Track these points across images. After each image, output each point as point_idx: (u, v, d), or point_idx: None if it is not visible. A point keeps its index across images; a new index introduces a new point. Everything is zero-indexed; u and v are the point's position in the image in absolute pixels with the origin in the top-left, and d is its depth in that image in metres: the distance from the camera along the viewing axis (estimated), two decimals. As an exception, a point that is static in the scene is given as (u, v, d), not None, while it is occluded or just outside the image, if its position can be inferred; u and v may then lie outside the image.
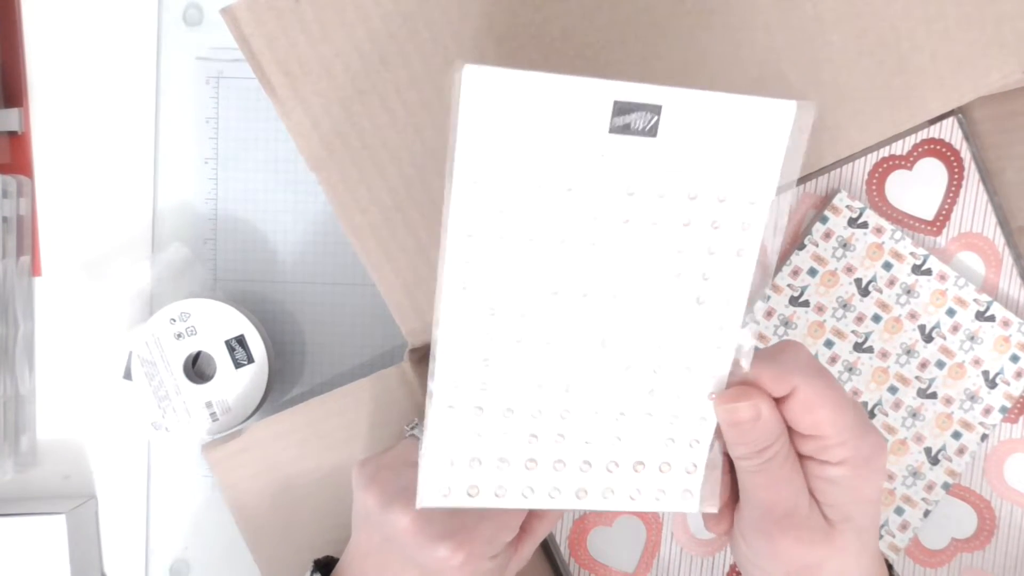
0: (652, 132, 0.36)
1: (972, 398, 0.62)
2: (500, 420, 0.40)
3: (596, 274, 0.38)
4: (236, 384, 0.61)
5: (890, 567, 0.45)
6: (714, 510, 0.42)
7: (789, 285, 0.61)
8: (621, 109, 0.36)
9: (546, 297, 0.38)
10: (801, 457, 0.41)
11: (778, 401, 0.40)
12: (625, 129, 0.36)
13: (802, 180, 0.62)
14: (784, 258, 0.62)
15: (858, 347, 0.61)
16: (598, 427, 0.40)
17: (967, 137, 0.62)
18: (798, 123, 0.37)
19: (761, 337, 0.61)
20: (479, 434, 0.40)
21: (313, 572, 0.50)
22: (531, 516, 0.49)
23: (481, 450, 0.40)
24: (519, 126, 0.36)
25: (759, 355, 0.40)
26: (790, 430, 0.41)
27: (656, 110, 0.36)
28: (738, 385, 0.40)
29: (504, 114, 0.35)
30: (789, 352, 0.40)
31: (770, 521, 0.40)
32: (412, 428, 0.54)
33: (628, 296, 0.39)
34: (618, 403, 0.40)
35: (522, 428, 0.40)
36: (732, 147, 0.37)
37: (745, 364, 0.40)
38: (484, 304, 0.38)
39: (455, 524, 0.45)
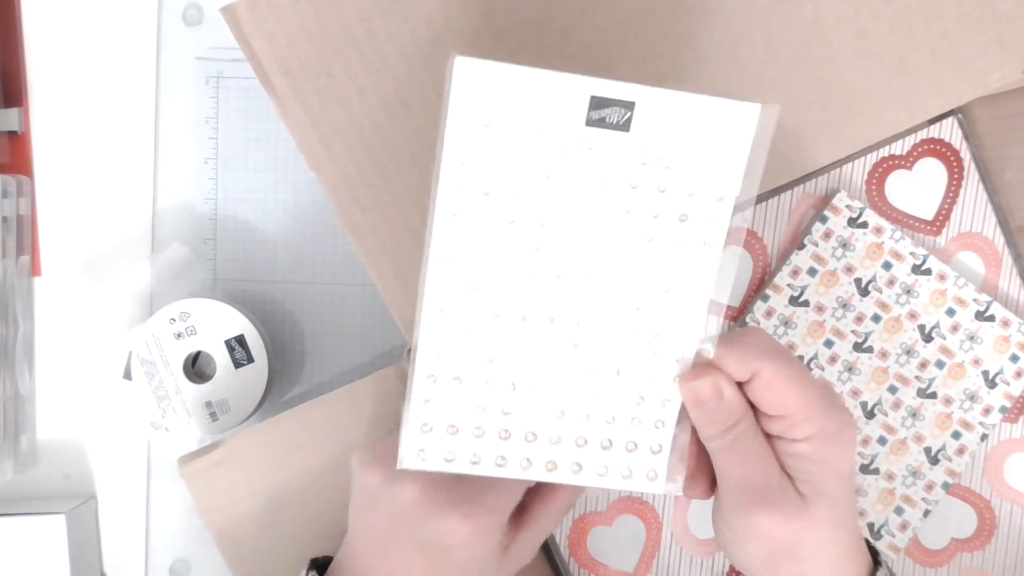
0: (626, 127, 0.39)
1: (972, 398, 0.62)
2: (477, 391, 0.42)
3: (571, 257, 0.41)
4: (236, 384, 0.61)
5: (872, 550, 0.46)
6: (678, 492, 0.43)
7: (789, 285, 0.61)
8: (597, 104, 0.38)
9: (524, 277, 0.41)
10: (770, 437, 0.42)
11: (742, 385, 0.41)
12: (601, 123, 0.38)
13: (802, 180, 0.62)
14: (784, 258, 0.62)
15: (858, 347, 0.61)
16: (569, 403, 0.42)
17: (967, 137, 0.62)
18: (762, 124, 0.39)
19: (761, 337, 0.61)
20: (457, 403, 0.42)
21: (309, 570, 0.49)
22: (532, 497, 0.49)
23: (458, 418, 0.42)
24: (504, 115, 0.38)
25: (721, 340, 0.41)
26: (757, 412, 0.42)
27: (629, 106, 0.38)
28: (701, 364, 0.41)
29: (490, 103, 0.38)
30: (750, 336, 0.41)
31: (745, 499, 0.42)
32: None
33: (601, 280, 0.41)
34: (589, 382, 0.42)
35: (497, 400, 0.42)
36: (700, 144, 0.40)
37: (710, 349, 0.42)
38: (466, 280, 0.41)
39: (461, 494, 0.45)
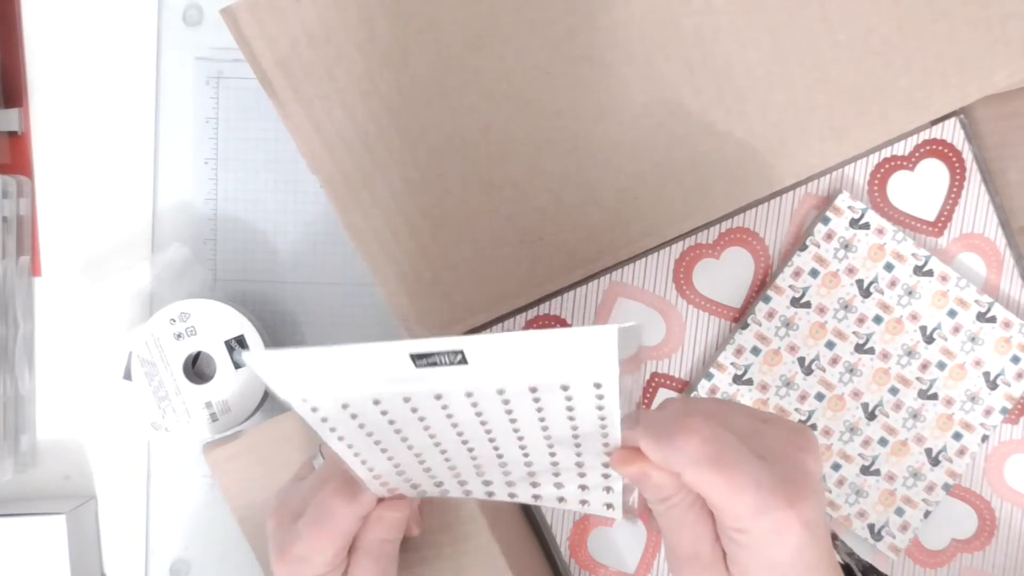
0: (463, 362, 0.35)
1: (973, 399, 0.62)
2: (422, 473, 0.43)
3: (465, 431, 0.40)
4: (236, 384, 0.61)
5: None
6: (635, 521, 0.43)
7: (791, 286, 0.61)
8: (421, 357, 0.35)
9: (425, 440, 0.41)
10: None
11: None
12: (433, 364, 0.35)
13: (804, 180, 0.61)
14: (786, 259, 0.62)
15: (859, 348, 0.61)
16: (509, 465, 0.42)
17: (969, 138, 0.61)
18: (626, 340, 0.36)
19: (763, 338, 0.61)
20: (401, 473, 0.43)
21: None
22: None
23: (410, 478, 0.44)
24: (331, 377, 0.36)
25: (652, 429, 0.40)
26: None
27: (458, 353, 0.35)
28: (627, 449, 0.41)
29: (309, 374, 0.36)
30: (678, 440, 0.39)
31: (678, 559, 0.42)
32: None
33: (506, 443, 0.41)
34: (527, 467, 0.42)
35: (440, 468, 0.43)
36: (558, 364, 0.36)
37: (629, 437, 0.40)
38: (375, 451, 0.41)
39: (284, 540, 0.47)
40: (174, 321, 0.61)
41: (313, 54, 0.51)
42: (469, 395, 0.38)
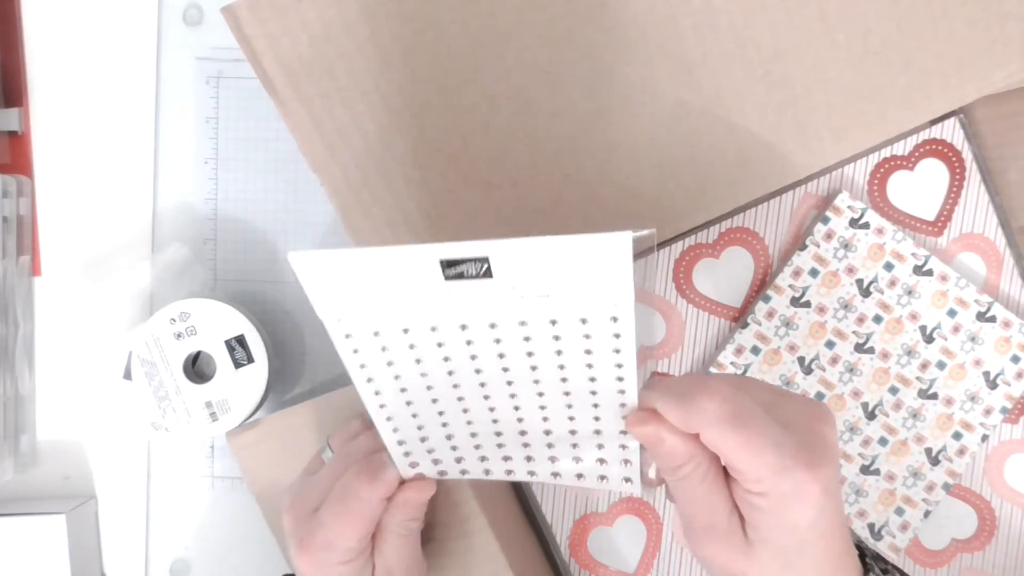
0: (488, 275, 0.37)
1: (973, 399, 0.62)
2: (443, 440, 0.44)
3: (486, 371, 0.41)
4: (236, 384, 0.61)
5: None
6: (653, 493, 0.44)
7: (791, 286, 0.61)
8: (449, 264, 0.37)
9: (448, 387, 0.42)
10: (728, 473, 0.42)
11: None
12: (460, 276, 0.37)
13: (804, 180, 0.62)
14: (785, 259, 0.62)
15: (859, 348, 0.61)
16: (529, 436, 0.44)
17: (968, 137, 0.61)
18: (641, 246, 0.37)
19: (763, 338, 0.61)
20: (430, 450, 0.45)
21: None
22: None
23: (436, 455, 0.45)
24: (366, 289, 0.38)
25: (673, 390, 0.40)
26: None
27: (483, 260, 0.36)
28: (643, 411, 0.41)
29: (347, 282, 0.38)
30: (698, 400, 0.39)
31: (693, 531, 0.42)
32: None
33: (522, 382, 0.41)
34: (546, 435, 0.44)
35: (464, 437, 0.44)
36: (576, 279, 0.37)
37: (647, 397, 0.41)
38: (404, 409, 0.43)
39: (305, 530, 0.48)
40: (174, 321, 0.61)
41: (314, 53, 0.51)
42: (493, 326, 0.39)
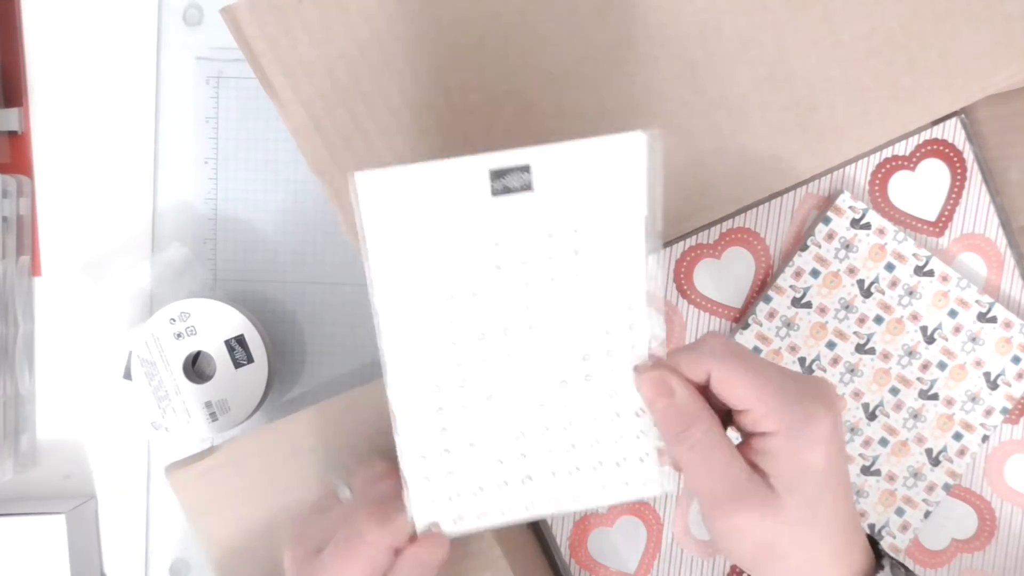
0: (529, 187, 0.41)
1: (973, 399, 0.62)
2: (467, 454, 0.44)
3: (511, 314, 0.43)
4: (236, 384, 0.61)
5: (876, 549, 0.45)
6: (672, 488, 0.45)
7: (792, 286, 0.61)
8: (497, 175, 0.41)
9: (474, 341, 0.43)
10: (745, 435, 0.43)
11: (703, 387, 0.42)
12: (505, 191, 0.41)
13: (806, 181, 0.61)
14: (787, 259, 0.61)
15: (860, 348, 0.61)
16: (553, 441, 0.44)
17: (970, 138, 0.61)
18: (655, 148, 0.41)
19: (763, 339, 0.61)
20: (451, 472, 0.44)
21: None
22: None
23: (456, 485, 0.44)
24: (416, 207, 0.41)
25: (678, 347, 0.43)
26: (733, 413, 0.43)
27: (526, 168, 0.41)
28: (654, 358, 0.43)
29: (401, 201, 0.40)
30: (705, 341, 0.42)
31: (716, 502, 0.41)
32: (337, 488, 0.51)
33: (544, 326, 0.43)
34: (563, 416, 0.44)
35: (487, 456, 0.44)
36: (601, 180, 0.42)
37: (658, 347, 0.43)
38: (424, 360, 0.43)
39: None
40: (174, 321, 0.61)
41: (314, 54, 0.51)
42: (524, 263, 0.42)
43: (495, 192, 0.41)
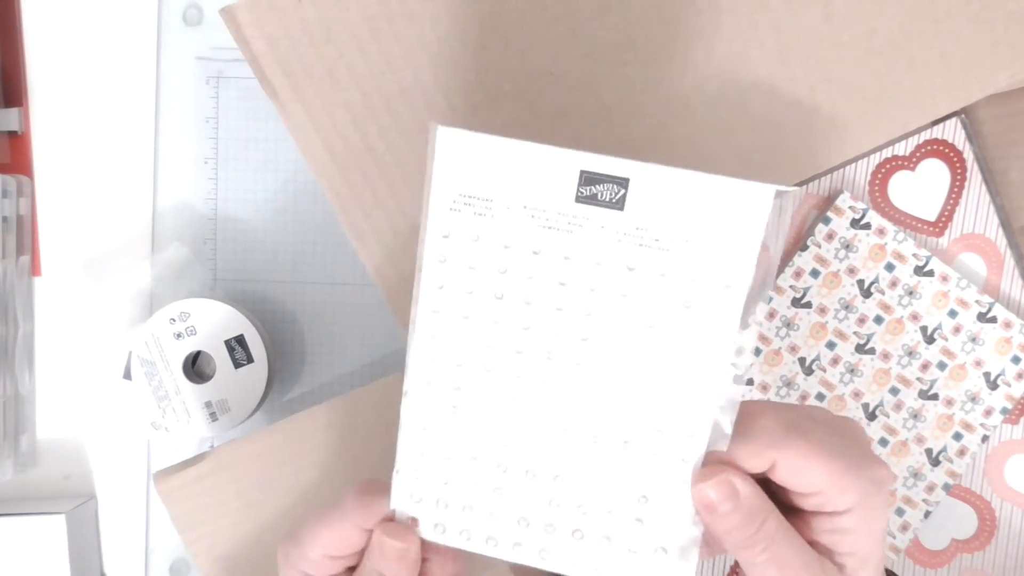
0: (619, 205, 0.36)
1: (973, 399, 0.62)
2: (466, 467, 0.40)
3: (561, 338, 0.38)
4: (236, 384, 0.61)
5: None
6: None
7: (791, 286, 0.61)
8: (588, 179, 0.36)
9: (511, 355, 0.38)
10: (806, 514, 0.39)
11: (765, 473, 0.38)
12: (592, 200, 0.36)
13: (806, 181, 0.61)
14: (787, 259, 0.61)
15: (860, 348, 0.61)
16: (561, 492, 0.39)
17: (970, 138, 0.61)
18: (779, 207, 0.36)
19: (763, 339, 0.61)
20: (446, 481, 0.40)
21: None
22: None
23: (447, 493, 0.40)
24: (489, 187, 0.37)
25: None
26: (786, 492, 0.39)
27: (623, 183, 0.36)
28: (712, 464, 0.38)
29: (474, 175, 0.36)
30: (756, 424, 0.38)
31: None
32: None
33: (595, 366, 0.38)
34: (582, 472, 0.39)
35: (487, 479, 0.40)
36: (706, 228, 0.36)
37: (727, 433, 0.38)
38: (452, 355, 0.39)
39: None
40: (174, 321, 0.61)
41: (313, 54, 0.51)
42: (592, 290, 0.37)
43: (580, 198, 0.36)
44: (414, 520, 0.41)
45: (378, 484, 0.41)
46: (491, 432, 0.39)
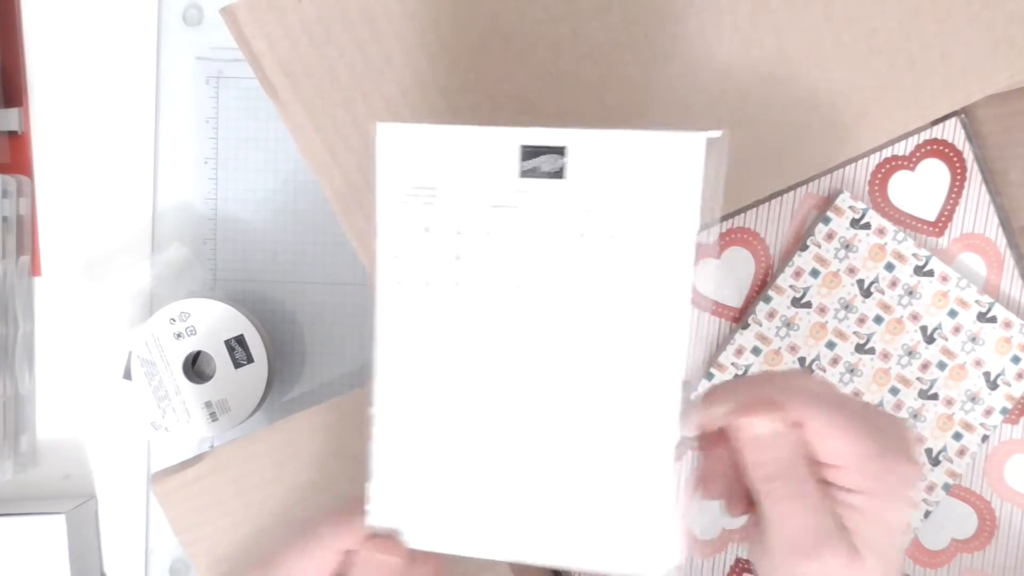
0: (560, 174, 0.37)
1: (973, 399, 0.62)
2: (443, 466, 0.39)
3: (524, 316, 0.38)
4: (236, 384, 0.61)
5: None
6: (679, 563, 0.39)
7: (791, 286, 0.61)
8: (528, 153, 0.37)
9: (475, 341, 0.38)
10: (824, 483, 0.39)
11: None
12: (534, 172, 0.37)
13: (806, 181, 0.61)
14: (786, 259, 0.61)
15: (860, 348, 0.61)
16: (542, 484, 0.39)
17: (970, 138, 0.61)
18: (713, 154, 0.36)
19: (763, 339, 0.61)
20: (423, 484, 0.40)
21: None
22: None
23: (426, 498, 0.40)
24: (434, 175, 0.38)
25: (768, 381, 0.39)
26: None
27: (561, 151, 0.37)
28: (762, 402, 0.38)
29: (419, 165, 0.38)
30: (795, 377, 0.39)
31: (795, 547, 0.38)
32: None
33: (561, 339, 0.38)
34: (560, 457, 0.39)
35: (464, 477, 0.39)
36: (646, 183, 0.37)
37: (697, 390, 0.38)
38: (416, 352, 0.39)
39: None
40: (174, 321, 0.61)
41: (314, 54, 0.51)
42: (549, 261, 0.37)
43: (523, 173, 0.37)
44: (396, 531, 0.40)
45: (350, 503, 0.40)
46: (464, 426, 0.39)
